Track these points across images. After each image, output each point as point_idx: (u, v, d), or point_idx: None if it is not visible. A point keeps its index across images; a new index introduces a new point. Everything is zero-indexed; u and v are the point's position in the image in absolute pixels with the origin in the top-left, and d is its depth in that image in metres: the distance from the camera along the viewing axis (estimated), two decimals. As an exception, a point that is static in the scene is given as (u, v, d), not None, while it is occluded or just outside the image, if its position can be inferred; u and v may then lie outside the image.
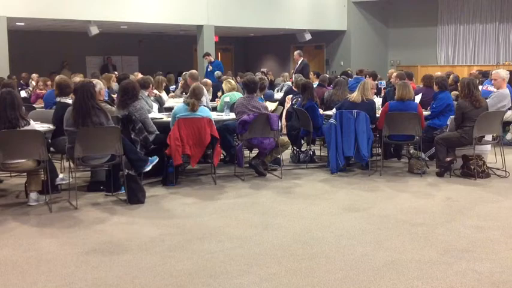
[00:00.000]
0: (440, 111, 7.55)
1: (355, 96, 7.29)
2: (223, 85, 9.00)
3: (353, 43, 18.64)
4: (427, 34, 18.67)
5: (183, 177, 6.95)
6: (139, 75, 10.97)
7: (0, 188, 6.60)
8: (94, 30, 13.79)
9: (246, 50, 23.07)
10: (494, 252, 4.29)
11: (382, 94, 9.88)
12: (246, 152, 7.49)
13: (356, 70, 13.16)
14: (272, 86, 13.86)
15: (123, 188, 6.02)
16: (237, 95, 8.16)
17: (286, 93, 10.17)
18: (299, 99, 8.21)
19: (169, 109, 8.06)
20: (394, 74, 9.99)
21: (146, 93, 7.83)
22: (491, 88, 9.03)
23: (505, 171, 6.97)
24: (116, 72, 14.13)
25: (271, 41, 21.14)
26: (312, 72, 12.39)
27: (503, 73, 8.32)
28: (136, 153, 6.24)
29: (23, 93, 10.78)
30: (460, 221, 5.14)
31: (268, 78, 13.21)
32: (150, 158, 6.33)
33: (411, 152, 7.36)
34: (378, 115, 7.26)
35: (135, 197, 5.82)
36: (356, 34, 18.65)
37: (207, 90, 9.29)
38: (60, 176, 6.19)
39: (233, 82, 9.19)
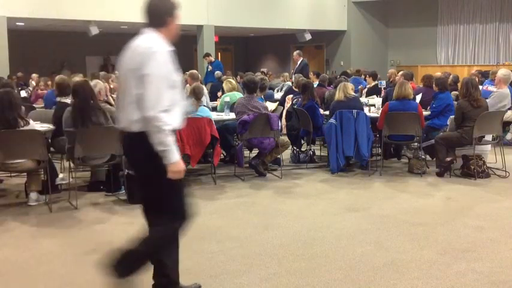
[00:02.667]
0: (440, 111, 7.55)
1: (338, 95, 7.29)
2: (224, 85, 8.99)
3: (353, 43, 18.64)
4: (427, 34, 18.67)
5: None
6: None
7: (0, 188, 6.60)
8: (94, 30, 13.78)
9: (246, 50, 23.07)
10: (494, 252, 4.29)
11: (382, 94, 9.88)
12: (246, 152, 7.49)
13: (353, 71, 13.17)
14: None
15: (123, 188, 6.02)
16: (237, 95, 8.16)
17: (286, 93, 10.16)
18: (299, 99, 8.21)
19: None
20: (400, 73, 10.08)
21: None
22: (491, 88, 9.03)
23: (505, 171, 6.97)
24: (116, 72, 14.11)
25: (271, 41, 21.14)
26: (311, 72, 12.38)
27: (500, 73, 8.31)
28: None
29: (23, 93, 10.78)
30: (460, 221, 5.14)
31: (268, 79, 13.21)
32: None
33: (412, 150, 7.35)
34: (377, 115, 7.27)
35: (135, 197, 5.81)
36: (356, 34, 18.65)
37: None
38: (60, 176, 6.19)
39: (233, 82, 9.17)
